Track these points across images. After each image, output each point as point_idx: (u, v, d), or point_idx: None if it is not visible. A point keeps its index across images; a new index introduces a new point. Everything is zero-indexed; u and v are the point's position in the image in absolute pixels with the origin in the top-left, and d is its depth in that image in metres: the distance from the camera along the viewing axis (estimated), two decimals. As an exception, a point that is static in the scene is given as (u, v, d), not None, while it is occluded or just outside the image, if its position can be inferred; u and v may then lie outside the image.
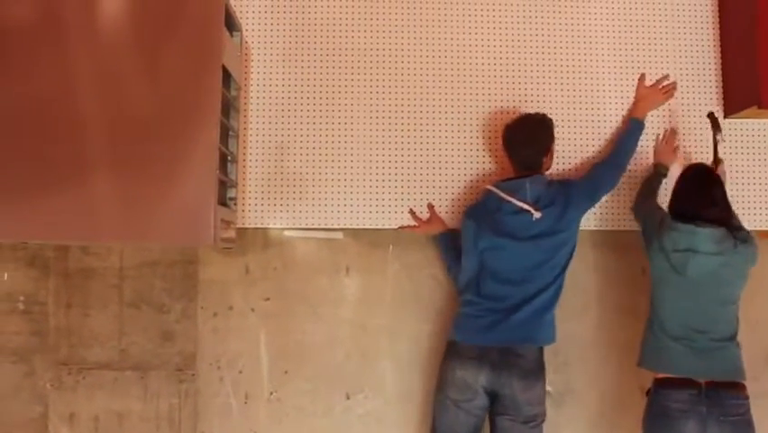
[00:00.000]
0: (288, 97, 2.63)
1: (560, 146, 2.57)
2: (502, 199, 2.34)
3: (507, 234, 2.32)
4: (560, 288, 2.34)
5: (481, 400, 2.28)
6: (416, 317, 2.59)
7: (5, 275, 2.61)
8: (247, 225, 2.59)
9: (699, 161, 2.52)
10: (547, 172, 2.43)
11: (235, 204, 2.52)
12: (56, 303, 2.60)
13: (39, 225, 2.16)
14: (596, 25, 2.68)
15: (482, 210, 2.40)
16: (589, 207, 2.42)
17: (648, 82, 2.63)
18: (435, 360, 2.46)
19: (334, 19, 2.66)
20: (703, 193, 2.22)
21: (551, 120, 2.44)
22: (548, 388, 2.56)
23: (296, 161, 2.62)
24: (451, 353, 2.34)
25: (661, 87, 2.62)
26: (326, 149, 2.62)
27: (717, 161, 2.50)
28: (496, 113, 2.62)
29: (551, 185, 2.37)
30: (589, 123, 2.65)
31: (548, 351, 2.54)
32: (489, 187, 2.41)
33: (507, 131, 2.44)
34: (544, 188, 2.34)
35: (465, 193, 2.61)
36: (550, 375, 2.55)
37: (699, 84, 2.68)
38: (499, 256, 2.34)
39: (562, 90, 2.66)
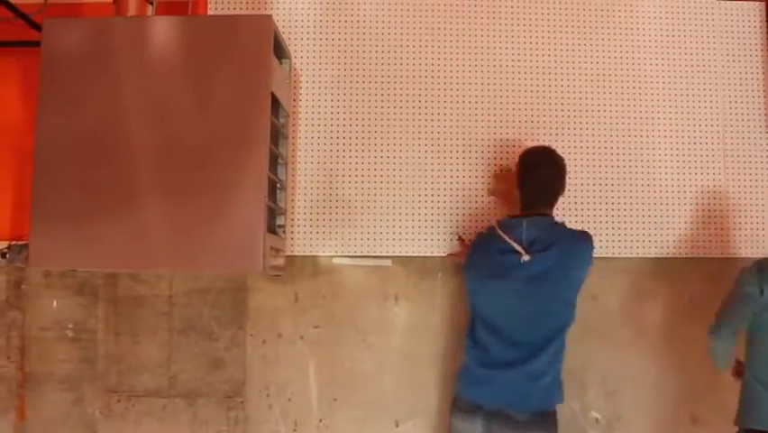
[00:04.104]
0: (337, 125, 2.63)
1: (602, 180, 2.61)
2: (497, 236, 2.22)
3: (493, 273, 2.20)
4: (554, 357, 2.15)
5: None
6: (465, 345, 2.59)
7: (54, 303, 2.62)
8: (296, 253, 2.59)
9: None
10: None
11: (284, 231, 2.52)
12: (105, 330, 2.61)
13: (90, 252, 2.18)
14: (644, 58, 2.68)
15: (480, 244, 2.33)
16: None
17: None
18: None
19: (383, 46, 2.66)
20: None
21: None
22: (596, 415, 2.58)
23: (344, 188, 2.62)
24: (452, 406, 2.27)
25: None
26: (375, 176, 2.62)
27: None
28: (545, 142, 2.61)
29: (553, 229, 2.20)
30: (638, 152, 2.66)
31: (597, 378, 2.56)
32: (493, 222, 2.31)
33: (526, 154, 2.32)
34: (542, 231, 2.17)
35: (514, 221, 2.61)
36: (599, 402, 2.57)
37: (748, 112, 2.67)
38: (484, 295, 2.24)
39: (610, 121, 2.66)
